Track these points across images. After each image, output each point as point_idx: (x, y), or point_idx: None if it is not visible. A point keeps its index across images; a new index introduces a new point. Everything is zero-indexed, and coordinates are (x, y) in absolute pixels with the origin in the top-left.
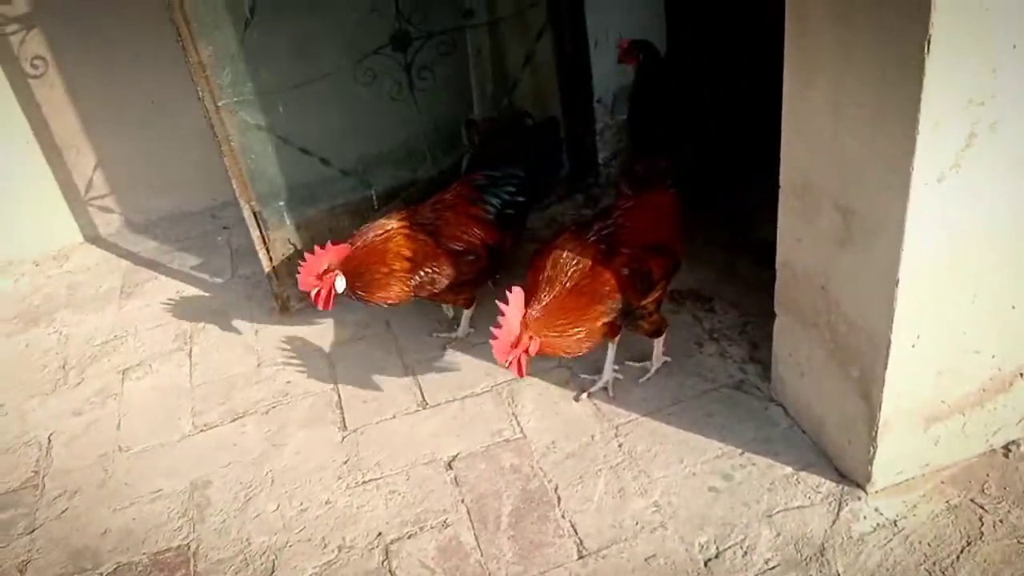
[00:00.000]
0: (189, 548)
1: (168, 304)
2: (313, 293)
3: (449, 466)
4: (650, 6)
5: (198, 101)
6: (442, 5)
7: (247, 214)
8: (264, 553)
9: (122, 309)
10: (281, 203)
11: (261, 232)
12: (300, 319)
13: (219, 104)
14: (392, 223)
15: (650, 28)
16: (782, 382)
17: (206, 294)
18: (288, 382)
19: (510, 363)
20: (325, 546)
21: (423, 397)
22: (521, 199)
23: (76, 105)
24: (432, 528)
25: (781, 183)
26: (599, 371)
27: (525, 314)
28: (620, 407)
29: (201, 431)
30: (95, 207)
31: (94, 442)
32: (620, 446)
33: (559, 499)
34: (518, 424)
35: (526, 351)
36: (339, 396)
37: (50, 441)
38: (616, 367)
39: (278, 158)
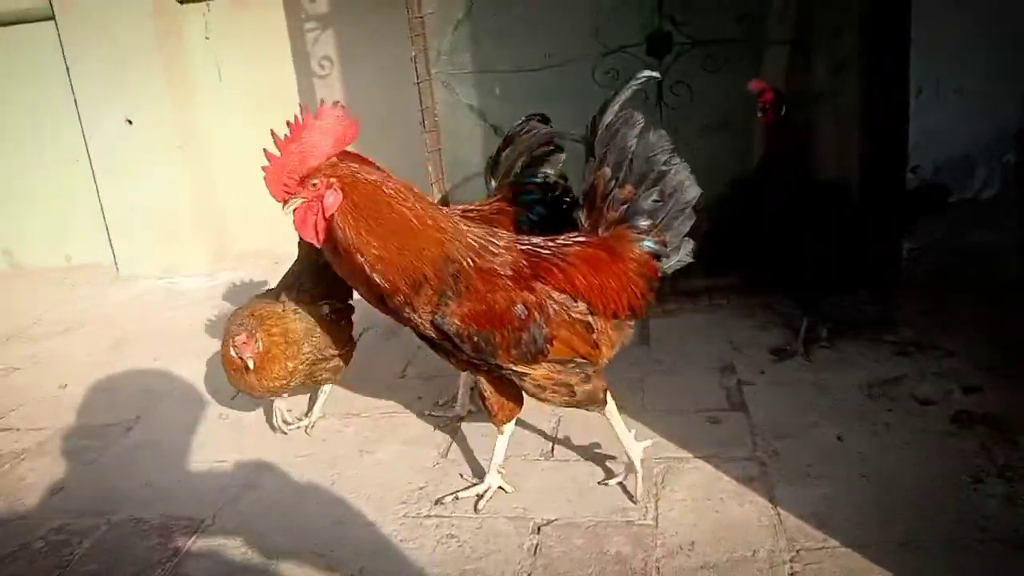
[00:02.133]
0: (204, 522)
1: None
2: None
3: (537, 530)
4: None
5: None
6: (718, 9)
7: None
8: (269, 553)
9: None
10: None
11: None
12: None
13: (432, 71)
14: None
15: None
16: None
17: None
18: (419, 397)
19: (295, 216)
20: (332, 570)
21: (554, 446)
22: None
23: (350, 108)
24: None
25: None
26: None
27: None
28: (813, 523)
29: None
30: None
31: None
32: None
33: None
34: (654, 508)
35: (320, 203)
36: (460, 423)
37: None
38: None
39: (485, 149)
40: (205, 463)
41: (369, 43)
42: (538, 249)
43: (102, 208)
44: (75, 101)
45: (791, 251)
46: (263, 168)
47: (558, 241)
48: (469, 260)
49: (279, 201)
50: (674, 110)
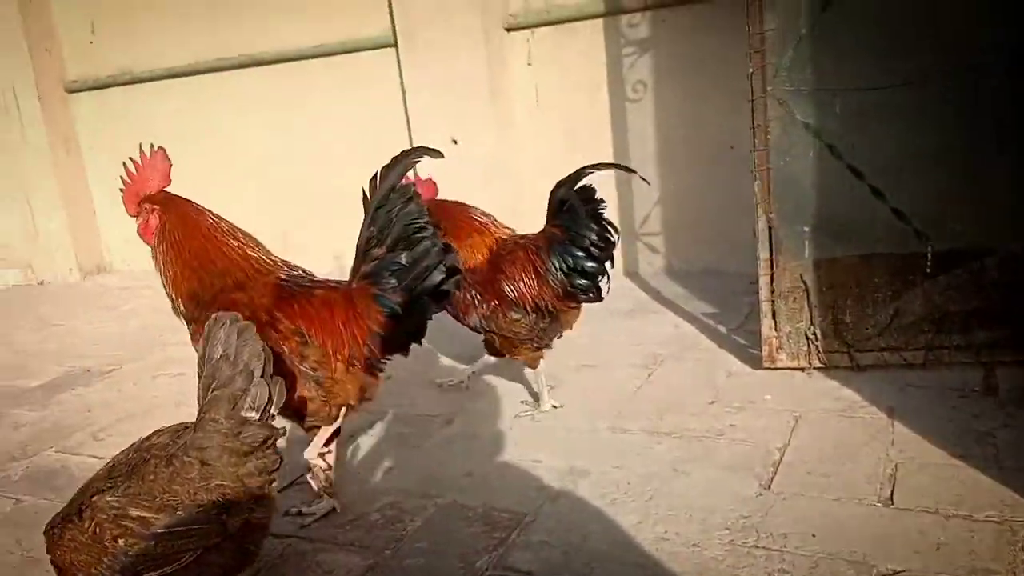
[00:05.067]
0: (526, 516)
1: (656, 331)
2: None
3: None
4: None
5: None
6: None
7: (760, 226)
8: (590, 557)
9: (614, 324)
10: (806, 229)
11: (771, 254)
12: (781, 376)
13: (767, 88)
14: None
15: None
16: None
17: (700, 334)
18: (732, 425)
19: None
20: None
21: (892, 492)
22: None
23: (659, 136)
24: None
25: None
26: None
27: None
28: None
29: (613, 432)
30: (643, 243)
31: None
32: None
33: None
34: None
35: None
36: (781, 458)
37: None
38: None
39: (818, 171)
40: (522, 461)
41: (682, 68)
42: (292, 285)
43: None
44: (407, 121)
45: None
46: (121, 187)
47: (315, 281)
48: (220, 289)
49: (131, 215)
50: None
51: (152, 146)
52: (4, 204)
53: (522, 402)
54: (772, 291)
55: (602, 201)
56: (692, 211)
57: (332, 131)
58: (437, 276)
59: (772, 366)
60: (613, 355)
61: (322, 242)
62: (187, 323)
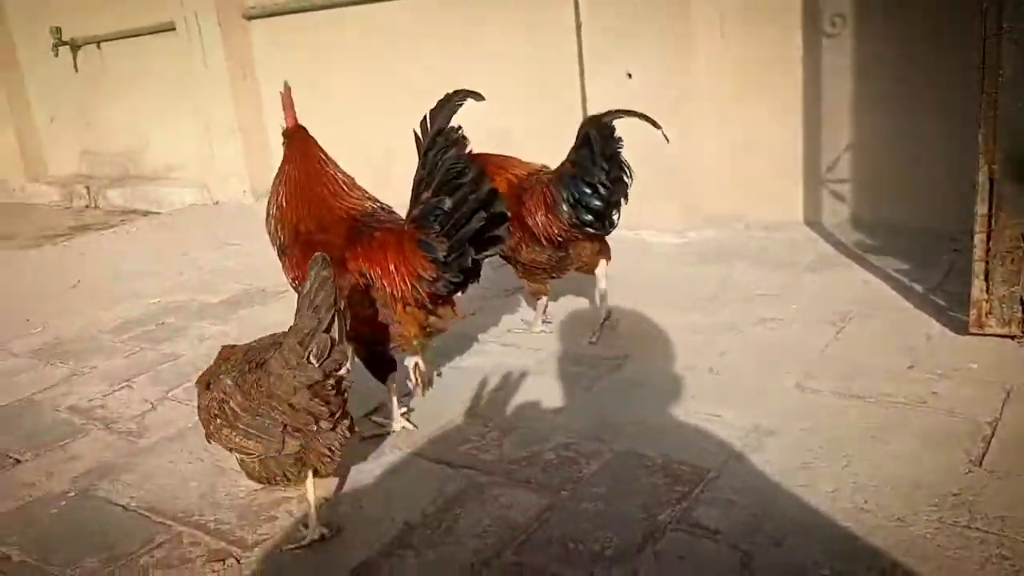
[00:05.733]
0: (709, 473)
1: (843, 287)
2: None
3: None
4: None
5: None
6: None
7: (981, 179)
8: (779, 524)
9: (796, 277)
10: None
11: (989, 209)
12: (989, 344)
13: (1003, 25)
14: None
15: None
16: None
17: (893, 292)
18: (934, 393)
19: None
20: (852, 559)
21: None
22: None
23: (857, 76)
24: None
25: None
26: None
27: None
28: None
29: (801, 391)
30: (829, 191)
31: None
32: None
33: None
34: None
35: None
36: (993, 433)
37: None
38: None
39: None
40: (700, 414)
41: (887, 2)
42: (362, 226)
43: None
44: (579, 56)
45: None
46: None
47: (382, 221)
48: (313, 234)
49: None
50: None
51: (284, 84)
52: (184, 127)
53: (523, 320)
54: (988, 250)
55: (619, 140)
56: (887, 159)
57: (500, 68)
58: (476, 222)
59: (979, 331)
60: (797, 310)
61: None
62: (280, 255)
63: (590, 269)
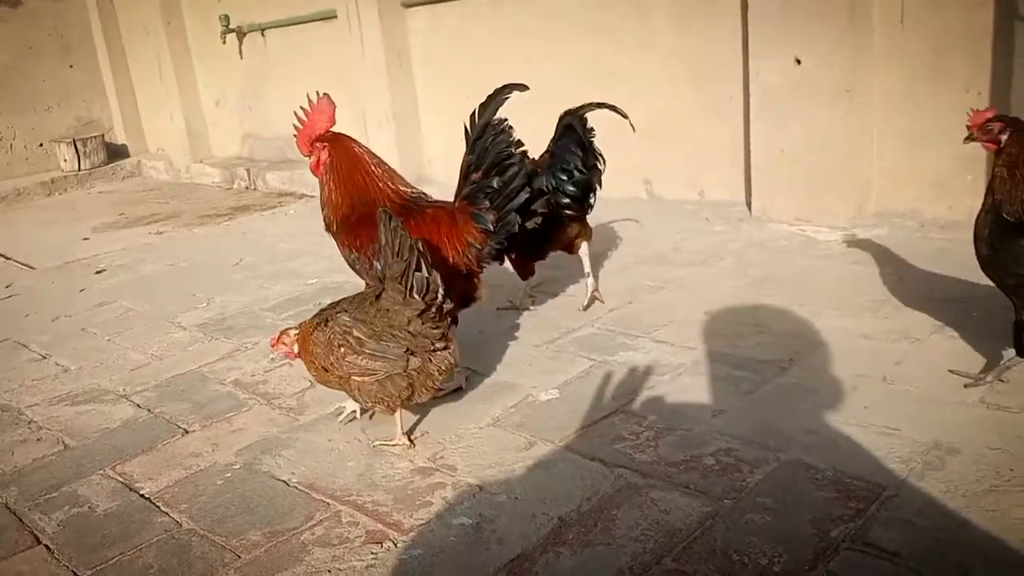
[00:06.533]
0: (885, 491)
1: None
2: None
3: None
4: None
5: None
6: None
7: None
8: (963, 547)
9: (966, 283)
10: None
11: None
12: None
13: None
14: None
15: None
16: None
17: None
18: None
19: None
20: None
21: None
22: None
23: None
24: None
25: None
26: None
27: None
28: None
29: (986, 407)
30: None
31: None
32: None
33: None
34: None
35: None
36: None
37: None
38: None
39: None
40: (874, 426)
41: None
42: (412, 206)
43: (748, 147)
44: (744, 40)
45: None
46: (293, 132)
47: (430, 203)
48: (361, 210)
49: (305, 155)
50: None
51: (318, 93)
52: (341, 113)
53: (508, 300)
54: None
55: (591, 130)
56: None
57: (658, 50)
58: (522, 196)
59: None
60: (977, 319)
61: (632, 165)
62: (335, 237)
63: (573, 250)
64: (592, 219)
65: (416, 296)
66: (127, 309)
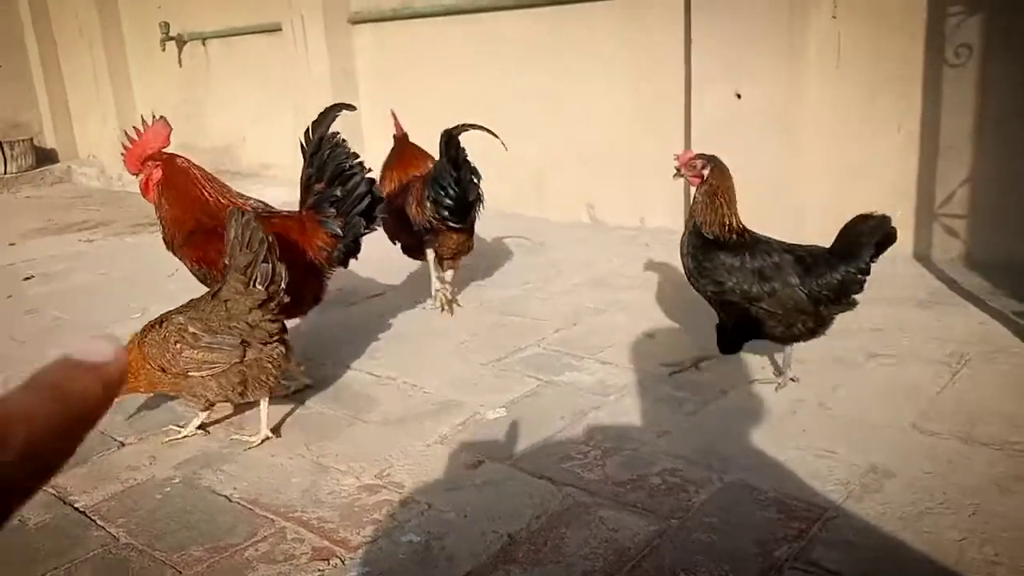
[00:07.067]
0: (826, 512)
1: (959, 327)
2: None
3: None
4: None
5: None
6: None
7: None
8: (898, 565)
9: (908, 313)
10: None
11: None
12: None
13: None
14: None
15: None
16: None
17: (1010, 335)
18: None
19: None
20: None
21: None
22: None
23: (979, 109)
24: None
25: None
26: None
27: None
28: None
29: (919, 432)
30: (941, 225)
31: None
32: None
33: None
34: None
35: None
36: None
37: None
38: None
39: None
40: (813, 450)
41: (1020, 32)
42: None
43: None
44: (687, 73)
45: None
46: (122, 151)
47: (273, 212)
48: (207, 224)
49: (132, 173)
50: None
51: (154, 115)
52: (282, 128)
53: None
54: None
55: (462, 149)
56: (1008, 196)
57: (604, 78)
58: (365, 202)
59: None
60: (909, 347)
61: (575, 189)
62: (179, 253)
63: (452, 264)
64: (536, 243)
65: (259, 286)
66: (57, 318)
